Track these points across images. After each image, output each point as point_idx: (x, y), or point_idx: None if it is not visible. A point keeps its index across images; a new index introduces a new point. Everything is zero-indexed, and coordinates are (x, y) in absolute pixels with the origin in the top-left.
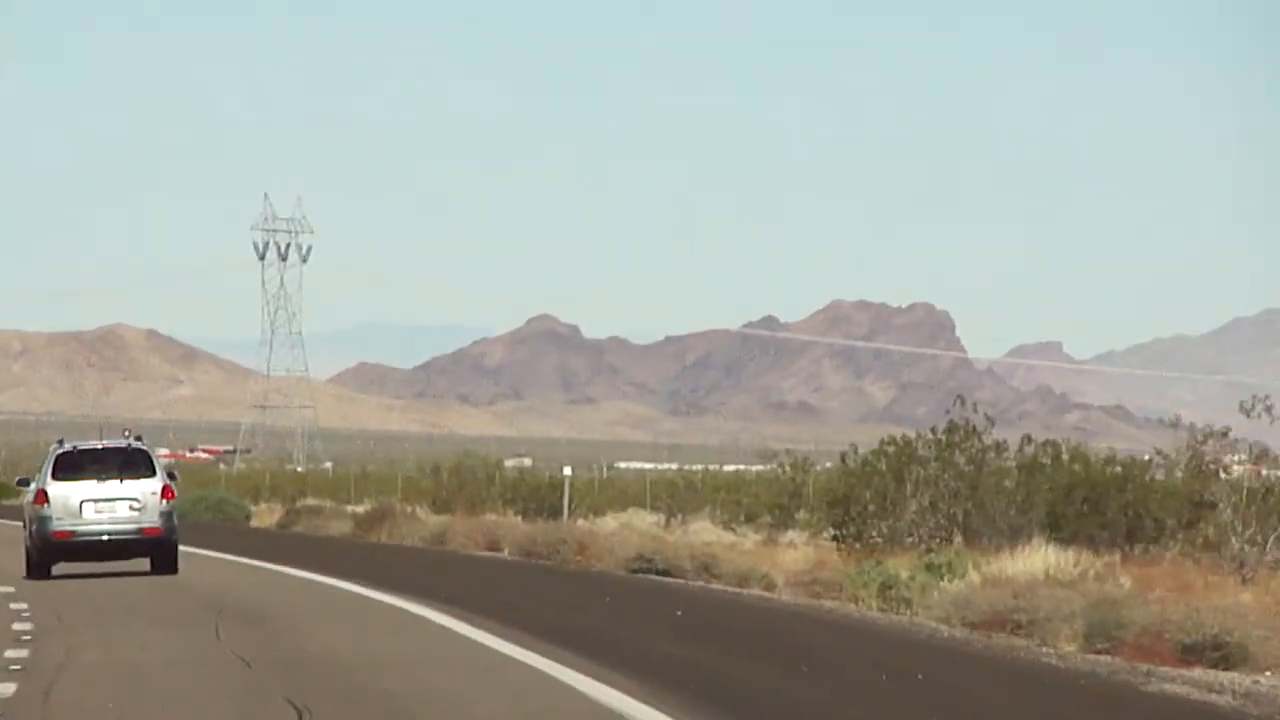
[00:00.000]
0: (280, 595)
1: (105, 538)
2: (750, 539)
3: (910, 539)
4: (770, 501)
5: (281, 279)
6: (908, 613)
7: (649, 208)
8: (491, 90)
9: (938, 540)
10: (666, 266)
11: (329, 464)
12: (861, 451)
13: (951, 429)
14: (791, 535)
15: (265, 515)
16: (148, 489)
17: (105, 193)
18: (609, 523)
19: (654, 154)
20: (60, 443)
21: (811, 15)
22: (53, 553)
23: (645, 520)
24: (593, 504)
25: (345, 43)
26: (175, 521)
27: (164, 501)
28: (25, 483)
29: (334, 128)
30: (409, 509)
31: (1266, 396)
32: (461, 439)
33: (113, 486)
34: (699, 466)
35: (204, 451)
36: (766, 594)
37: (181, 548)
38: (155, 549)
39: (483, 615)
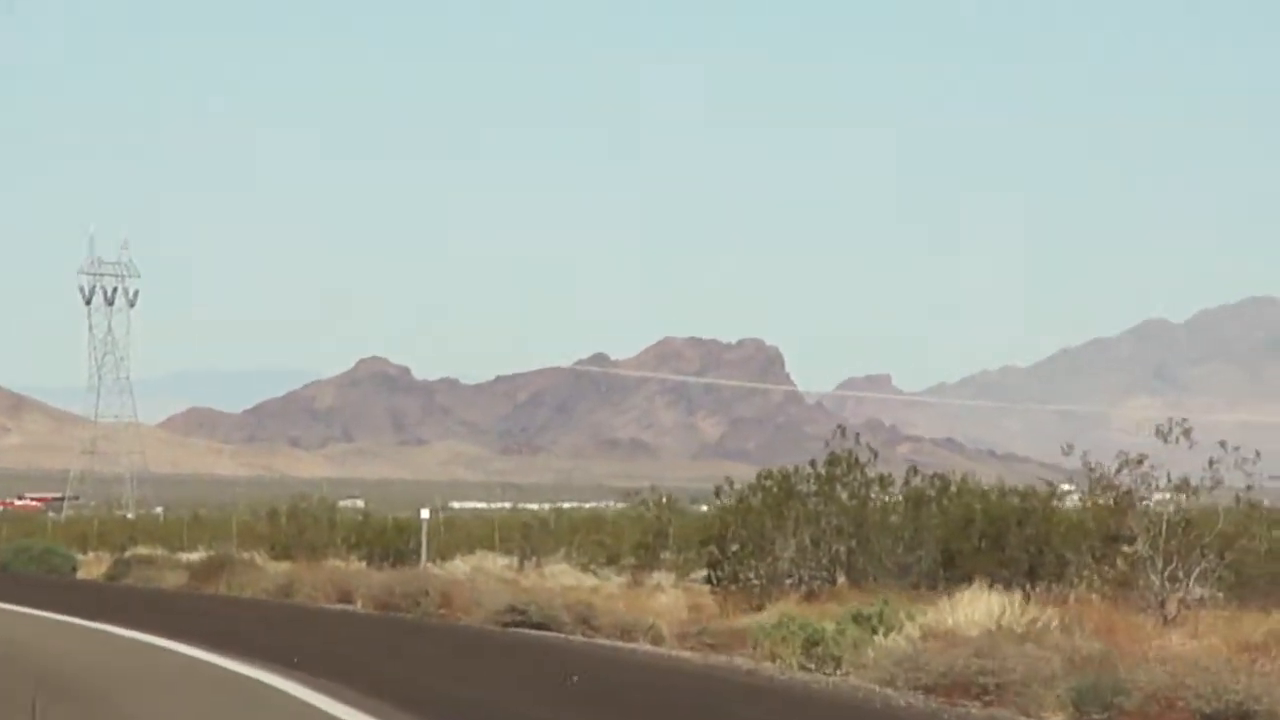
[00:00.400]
0: (109, 662)
1: None
2: (613, 581)
3: (790, 580)
4: (635, 541)
5: (109, 324)
6: (837, 673)
7: (478, 247)
8: (316, 124)
9: (819, 581)
10: (497, 306)
11: (159, 509)
12: (738, 486)
13: (833, 461)
14: (658, 577)
15: (93, 565)
16: None
17: None
18: (459, 566)
19: (481, 191)
20: None
21: (648, 44)
22: None
23: (497, 563)
24: (439, 547)
25: (162, 74)
26: None
27: None
28: None
29: (159, 169)
30: (247, 556)
31: (1184, 420)
32: (294, 482)
33: None
34: (535, 505)
35: (32, 499)
36: (655, 648)
37: (0, 605)
38: None
39: (343, 683)
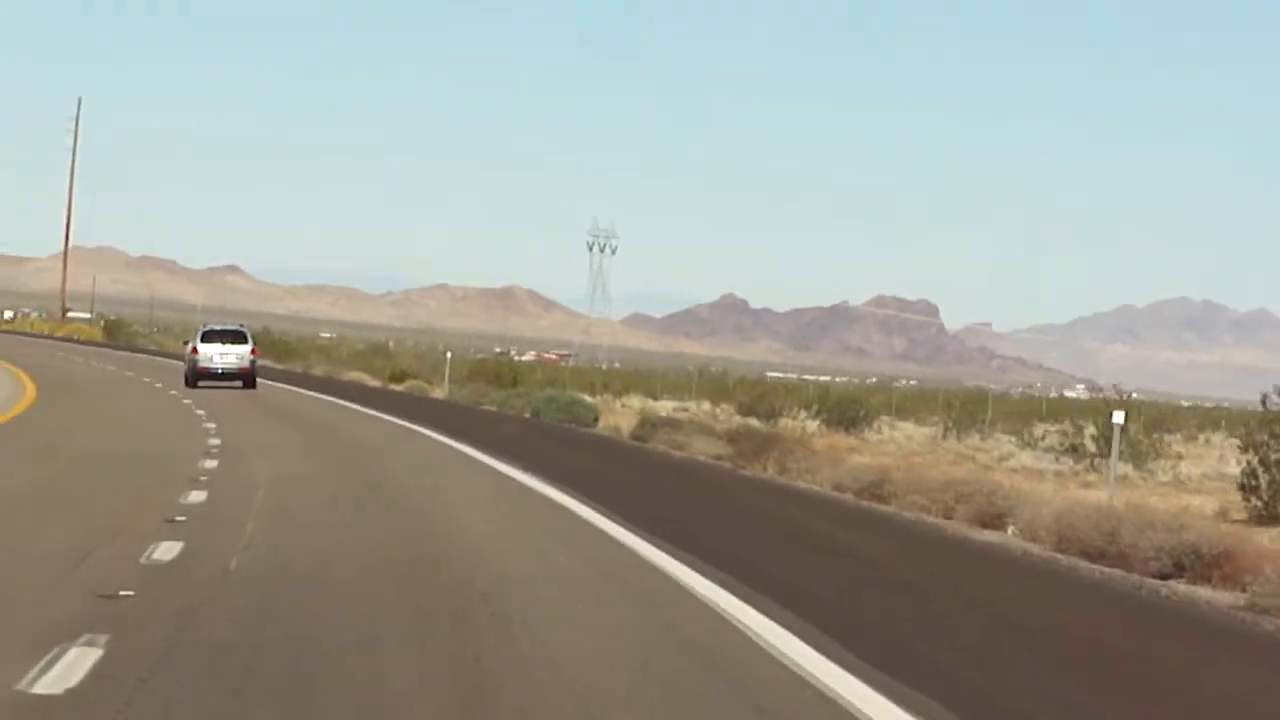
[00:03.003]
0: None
1: (220, 370)
2: (1065, 468)
3: None
4: (1099, 433)
5: (600, 264)
6: None
7: (793, 222)
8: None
9: None
10: (798, 260)
11: (618, 364)
12: None
13: None
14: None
15: (607, 415)
16: (244, 350)
17: (492, 194)
18: (890, 435)
19: (797, 178)
20: (205, 325)
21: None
22: (199, 376)
23: (918, 433)
24: (842, 414)
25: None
26: (256, 365)
27: (251, 356)
28: (188, 344)
29: (644, 159)
30: (793, 427)
31: None
32: (688, 357)
33: (228, 347)
34: (812, 377)
35: (554, 354)
36: None
37: (521, 480)
38: (245, 377)
39: None
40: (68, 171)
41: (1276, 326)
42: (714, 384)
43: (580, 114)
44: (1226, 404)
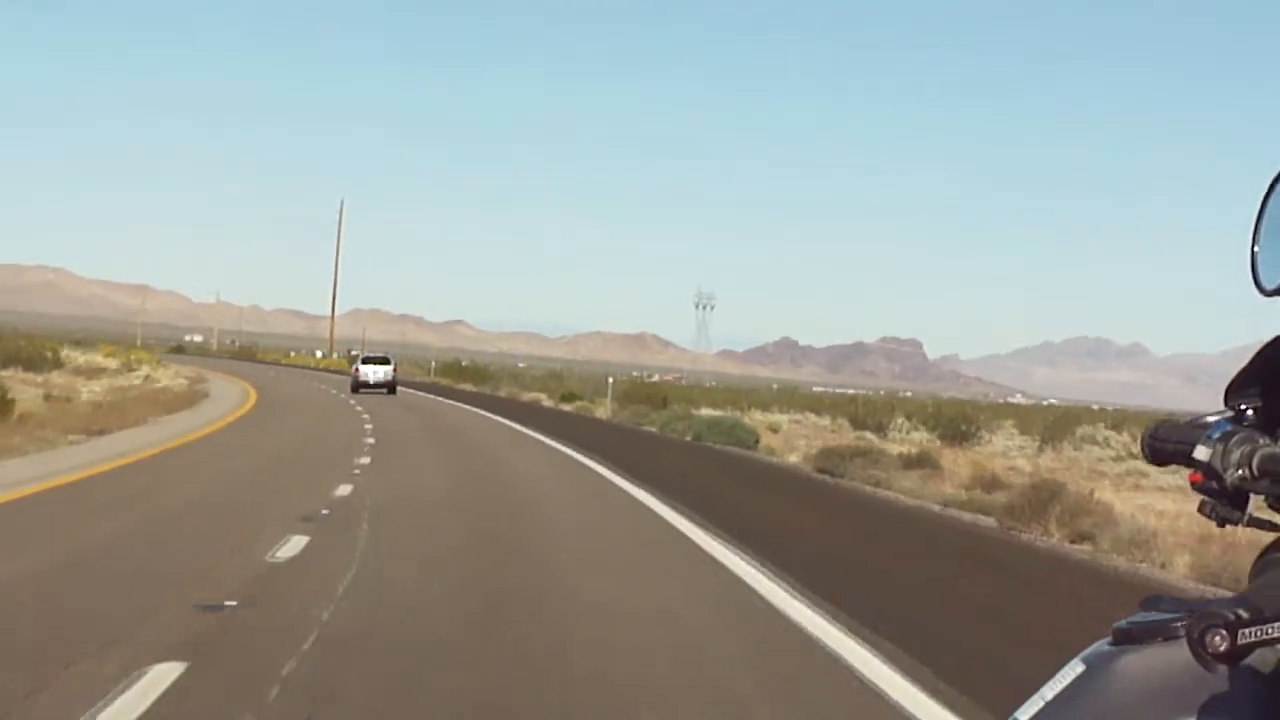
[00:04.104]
0: None
1: (372, 381)
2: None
3: None
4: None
5: (704, 318)
6: None
7: (818, 277)
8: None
9: None
10: (833, 308)
11: (715, 384)
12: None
13: None
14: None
15: (766, 435)
16: (389, 368)
17: (628, 267)
18: (1000, 447)
19: (827, 231)
20: (364, 353)
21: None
22: (360, 387)
23: (1011, 445)
24: (954, 429)
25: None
26: (397, 377)
27: (393, 373)
28: (352, 363)
29: (734, 243)
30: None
31: None
32: (758, 380)
33: (377, 367)
34: (851, 390)
35: (671, 377)
36: None
37: (734, 569)
38: (389, 386)
39: None
40: (340, 254)
41: (1146, 354)
42: (802, 399)
43: (693, 209)
44: (1118, 409)
